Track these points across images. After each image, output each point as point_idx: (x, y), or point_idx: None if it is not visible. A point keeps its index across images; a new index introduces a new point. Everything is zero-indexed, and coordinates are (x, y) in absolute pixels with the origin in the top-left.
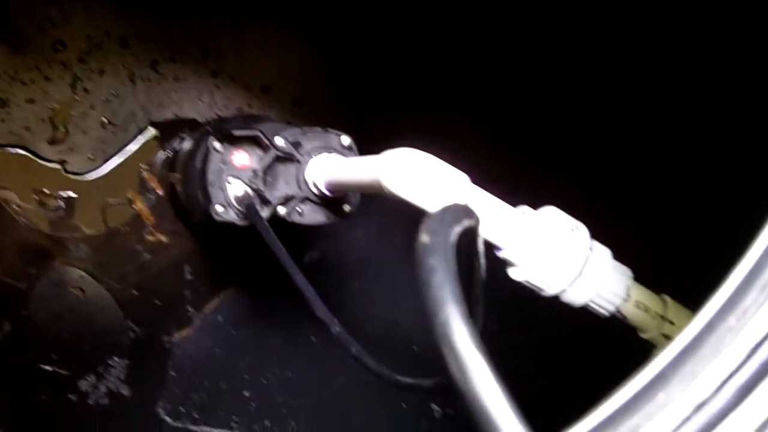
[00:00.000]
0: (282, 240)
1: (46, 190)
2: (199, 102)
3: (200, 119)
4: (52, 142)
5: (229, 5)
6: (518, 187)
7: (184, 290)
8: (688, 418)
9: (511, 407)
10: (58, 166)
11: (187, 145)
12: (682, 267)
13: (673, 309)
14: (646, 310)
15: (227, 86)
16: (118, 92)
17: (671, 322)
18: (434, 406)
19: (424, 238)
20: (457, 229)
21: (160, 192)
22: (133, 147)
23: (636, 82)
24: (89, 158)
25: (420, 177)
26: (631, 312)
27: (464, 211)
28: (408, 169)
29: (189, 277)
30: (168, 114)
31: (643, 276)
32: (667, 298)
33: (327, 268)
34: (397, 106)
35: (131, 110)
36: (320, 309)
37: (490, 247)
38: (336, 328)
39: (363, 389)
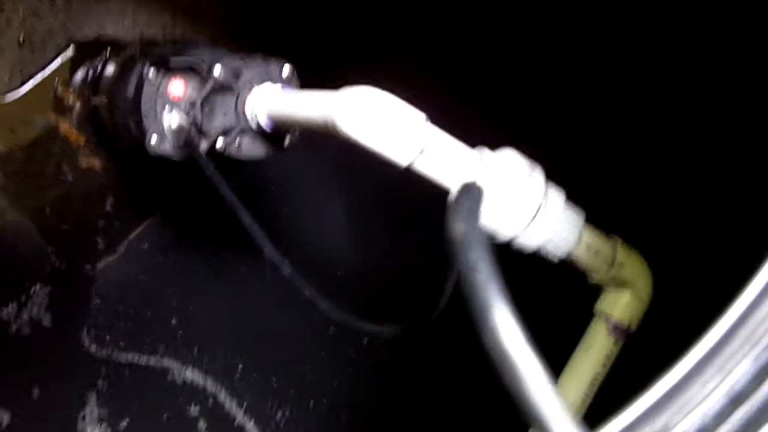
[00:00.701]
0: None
1: None
2: (121, 20)
3: (123, 39)
4: None
5: None
6: (476, 129)
7: (108, 217)
8: (722, 413)
9: (569, 418)
10: None
11: (111, 68)
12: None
13: (623, 252)
14: (597, 253)
15: (151, 4)
16: (36, 10)
17: (621, 265)
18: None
19: (457, 230)
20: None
21: (79, 115)
22: (51, 67)
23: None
24: (6, 80)
25: (377, 120)
26: (581, 256)
27: (479, 192)
28: (365, 110)
29: (113, 203)
30: (89, 33)
31: (594, 216)
32: (618, 241)
33: (254, 193)
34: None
35: (50, 29)
36: (269, 249)
37: (444, 192)
38: (287, 269)
39: (290, 315)
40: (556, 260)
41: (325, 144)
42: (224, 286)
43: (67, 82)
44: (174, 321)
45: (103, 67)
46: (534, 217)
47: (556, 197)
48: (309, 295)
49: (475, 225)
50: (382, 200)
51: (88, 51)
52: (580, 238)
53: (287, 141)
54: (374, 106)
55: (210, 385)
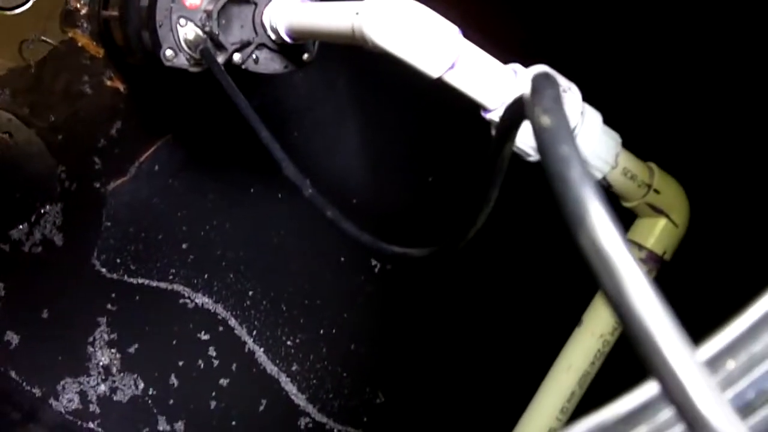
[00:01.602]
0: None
1: None
2: None
3: None
4: None
5: None
6: (509, 45)
7: (118, 137)
8: None
9: (674, 324)
10: None
11: None
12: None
13: (660, 178)
14: (633, 177)
15: None
16: None
17: (656, 191)
18: (373, 261)
19: (544, 120)
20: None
21: (90, 29)
22: None
23: None
24: None
25: (409, 28)
26: (617, 179)
27: (553, 80)
28: (396, 19)
29: (123, 122)
30: None
31: (631, 143)
32: (654, 166)
33: (265, 116)
34: None
35: None
36: (290, 169)
37: (477, 108)
38: (308, 190)
39: (302, 242)
40: None
41: (338, 66)
42: (236, 210)
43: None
44: (185, 245)
45: None
46: None
47: (593, 116)
48: (331, 216)
49: (562, 114)
50: (400, 126)
51: None
52: (616, 160)
53: (306, 56)
54: (406, 15)
55: (220, 310)
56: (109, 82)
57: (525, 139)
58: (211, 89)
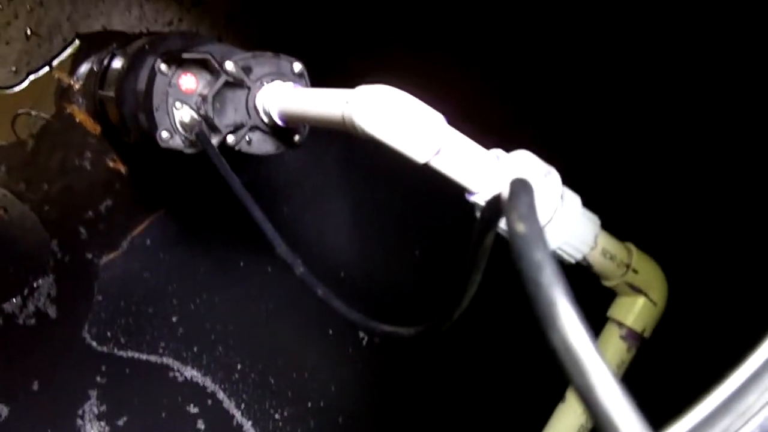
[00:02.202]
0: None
1: None
2: (127, 14)
3: (129, 32)
4: None
5: None
6: (491, 129)
7: (112, 211)
8: None
9: (637, 415)
10: None
11: (119, 61)
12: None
13: (638, 258)
14: (612, 258)
15: None
16: (43, 1)
17: (635, 271)
18: (361, 334)
19: (519, 227)
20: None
21: (86, 107)
22: (58, 59)
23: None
24: (12, 70)
25: (397, 117)
26: (597, 260)
27: (529, 187)
28: (385, 108)
29: (117, 197)
30: (95, 26)
31: (609, 224)
32: (632, 247)
33: (256, 192)
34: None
35: (56, 21)
36: (281, 248)
37: (461, 192)
38: (300, 268)
39: (290, 315)
40: (572, 262)
41: (327, 143)
42: (225, 284)
43: (73, 74)
44: (174, 318)
45: (110, 61)
46: (551, 218)
47: (572, 199)
48: (322, 295)
49: (535, 222)
50: (387, 202)
51: (93, 43)
52: (595, 241)
53: (297, 138)
54: (394, 105)
55: (209, 383)
56: (111, 164)
57: None
58: (204, 167)
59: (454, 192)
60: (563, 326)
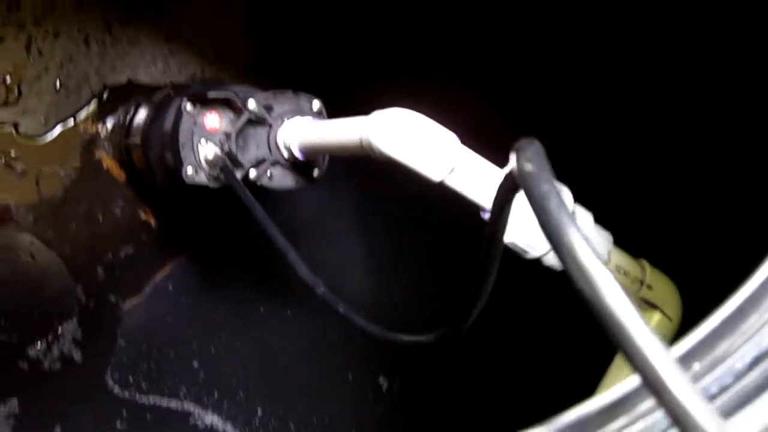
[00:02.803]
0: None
1: None
2: (153, 67)
3: (154, 84)
4: (5, 104)
5: None
6: (502, 148)
7: (136, 257)
8: None
9: (638, 312)
10: (10, 129)
11: (144, 110)
12: (660, 234)
13: (651, 273)
14: (626, 274)
15: (182, 50)
16: (73, 55)
17: (649, 287)
18: (381, 379)
19: (527, 166)
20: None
21: (112, 156)
22: (86, 111)
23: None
24: (42, 121)
25: (412, 137)
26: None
27: (535, 140)
28: (400, 129)
29: (140, 243)
30: (122, 78)
31: (622, 241)
32: (645, 263)
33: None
34: (360, 69)
35: (85, 74)
36: (303, 270)
37: (476, 210)
38: (321, 288)
39: (310, 360)
40: None
41: (343, 187)
42: (245, 328)
43: (100, 124)
44: (195, 363)
45: (136, 111)
46: None
47: (584, 216)
48: (343, 311)
49: (542, 162)
50: (404, 245)
51: (120, 95)
52: (609, 257)
53: (316, 173)
54: (409, 125)
55: (230, 429)
56: (143, 216)
57: (523, 238)
58: (225, 211)
59: (472, 235)
60: (570, 241)
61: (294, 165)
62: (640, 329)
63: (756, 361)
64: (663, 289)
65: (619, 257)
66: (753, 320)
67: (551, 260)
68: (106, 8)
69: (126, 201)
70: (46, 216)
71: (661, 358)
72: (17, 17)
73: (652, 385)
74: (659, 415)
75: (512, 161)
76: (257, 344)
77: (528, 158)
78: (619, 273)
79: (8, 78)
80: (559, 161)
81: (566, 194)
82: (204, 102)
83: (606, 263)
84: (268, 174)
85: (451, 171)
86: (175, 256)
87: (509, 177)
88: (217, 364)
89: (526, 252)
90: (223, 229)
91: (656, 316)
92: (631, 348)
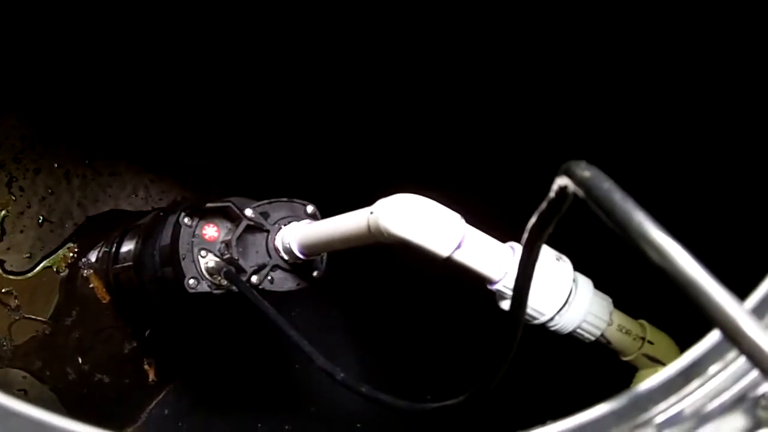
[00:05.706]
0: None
1: None
2: (134, 196)
3: (136, 212)
4: None
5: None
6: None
7: (130, 386)
8: None
9: (710, 275)
10: None
11: (131, 236)
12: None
13: (652, 331)
14: (627, 332)
15: (163, 179)
16: (54, 189)
17: (651, 342)
18: None
19: (585, 173)
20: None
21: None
22: (69, 242)
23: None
24: (27, 256)
25: (420, 217)
26: (614, 335)
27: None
28: (408, 211)
29: (133, 371)
30: (104, 209)
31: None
32: (645, 323)
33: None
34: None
35: (67, 207)
36: (320, 360)
37: (483, 282)
38: (339, 375)
39: None
40: (592, 339)
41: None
42: None
43: (86, 255)
44: None
45: (122, 238)
46: (567, 299)
47: (585, 282)
48: (366, 392)
49: (594, 168)
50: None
51: (103, 224)
52: (611, 318)
53: (316, 273)
54: (416, 206)
55: None
56: (146, 367)
57: (531, 304)
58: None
59: (463, 343)
60: (641, 222)
61: (294, 267)
62: (716, 289)
63: None
64: (663, 343)
65: (620, 318)
66: None
67: (559, 324)
68: (84, 142)
69: (116, 330)
70: (36, 350)
71: (737, 310)
72: None
73: (731, 334)
74: None
75: (560, 180)
76: None
77: (583, 168)
78: (621, 331)
79: None
80: (560, 239)
81: (567, 263)
82: (201, 214)
83: (609, 324)
84: (269, 278)
85: (458, 246)
86: (168, 382)
87: (561, 190)
88: None
89: (534, 318)
90: (215, 352)
91: (661, 370)
92: (709, 304)
